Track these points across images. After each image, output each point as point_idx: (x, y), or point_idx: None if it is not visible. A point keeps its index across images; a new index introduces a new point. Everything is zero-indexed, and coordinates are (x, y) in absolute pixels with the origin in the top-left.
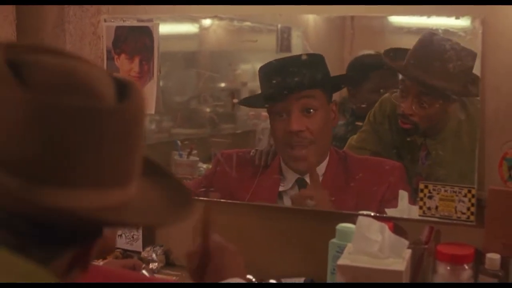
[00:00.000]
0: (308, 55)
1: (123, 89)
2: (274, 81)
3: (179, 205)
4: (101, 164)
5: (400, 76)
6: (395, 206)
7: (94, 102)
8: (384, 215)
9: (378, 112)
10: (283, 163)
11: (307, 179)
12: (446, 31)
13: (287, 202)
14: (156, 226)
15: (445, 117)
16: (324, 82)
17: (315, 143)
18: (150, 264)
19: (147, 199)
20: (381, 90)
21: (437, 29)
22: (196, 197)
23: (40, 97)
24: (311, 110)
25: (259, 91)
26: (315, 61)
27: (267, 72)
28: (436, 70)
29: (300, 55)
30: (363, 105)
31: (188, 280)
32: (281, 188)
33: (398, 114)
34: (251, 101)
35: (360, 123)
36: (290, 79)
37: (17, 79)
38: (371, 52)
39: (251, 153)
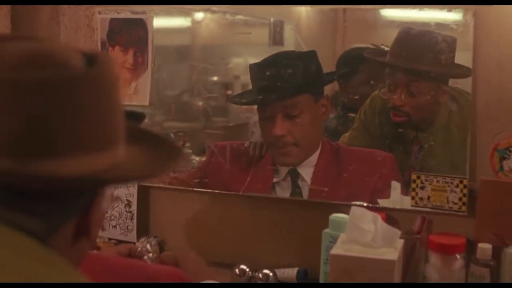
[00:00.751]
0: (300, 53)
1: (93, 58)
2: (265, 76)
3: (166, 159)
4: (82, 129)
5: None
6: (388, 196)
7: (63, 71)
8: (377, 206)
9: (368, 109)
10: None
11: (299, 170)
12: (438, 24)
13: (280, 193)
14: (147, 177)
15: (436, 107)
16: (314, 82)
17: (298, 145)
18: (145, 255)
19: (135, 159)
20: (372, 82)
21: (428, 22)
22: (190, 188)
23: (11, 75)
24: (295, 115)
25: (251, 85)
26: (306, 59)
27: (257, 70)
28: (419, 56)
29: (292, 52)
30: (356, 97)
31: None
32: (274, 180)
33: (389, 107)
34: (243, 99)
35: (352, 115)
36: (275, 85)
37: None
38: (361, 45)
39: (245, 145)
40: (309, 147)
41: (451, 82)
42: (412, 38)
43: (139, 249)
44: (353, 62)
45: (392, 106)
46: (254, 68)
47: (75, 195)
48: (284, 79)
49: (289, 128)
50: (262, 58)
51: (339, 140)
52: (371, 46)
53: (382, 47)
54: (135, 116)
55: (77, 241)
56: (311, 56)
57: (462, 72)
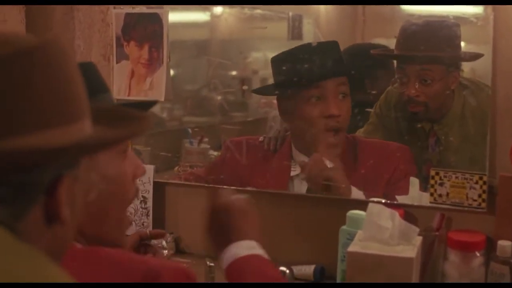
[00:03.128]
0: (322, 44)
1: (41, 39)
2: (285, 68)
3: (132, 122)
4: (39, 104)
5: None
6: (405, 190)
7: (7, 48)
8: (395, 202)
9: (384, 104)
10: (296, 149)
11: None
12: (457, 17)
13: (298, 186)
14: (112, 142)
15: (449, 96)
16: (336, 73)
17: (342, 131)
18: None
19: (101, 131)
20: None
21: (447, 16)
22: (206, 184)
23: None
24: (346, 94)
25: (271, 79)
26: (329, 50)
27: (283, 60)
28: (425, 43)
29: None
30: (374, 92)
31: (196, 267)
32: (292, 173)
33: (405, 100)
34: (265, 90)
35: (370, 110)
36: (326, 65)
37: None
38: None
39: (260, 139)
40: (343, 136)
41: (470, 72)
42: (416, 29)
43: (148, 232)
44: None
45: (407, 98)
46: (276, 60)
47: (36, 176)
48: (304, 70)
49: (341, 108)
50: (280, 52)
51: (346, 128)
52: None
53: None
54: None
55: (50, 226)
56: (332, 46)
57: (471, 55)
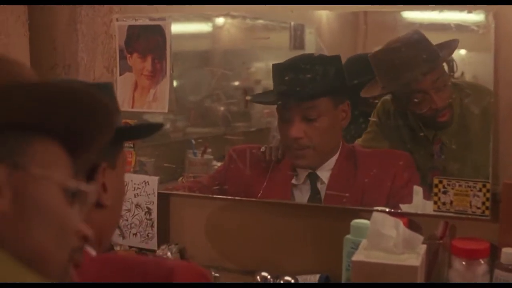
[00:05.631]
0: (323, 57)
1: None
2: (286, 79)
3: None
4: None
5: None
6: (409, 199)
7: None
8: (399, 211)
9: (382, 112)
10: None
11: (318, 173)
12: (459, 25)
13: (299, 196)
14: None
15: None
16: (335, 87)
17: (314, 149)
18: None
19: None
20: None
21: (448, 24)
22: (210, 195)
23: None
24: (313, 118)
25: (272, 86)
26: (329, 63)
27: (279, 71)
28: (402, 68)
29: (315, 56)
30: (376, 101)
31: None
32: (293, 182)
33: (398, 118)
34: (263, 98)
35: (373, 119)
36: (294, 87)
37: None
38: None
39: (262, 150)
40: (326, 151)
41: (472, 80)
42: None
43: None
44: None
45: (434, 111)
46: (276, 69)
47: None
48: (304, 82)
49: (306, 130)
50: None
51: (354, 143)
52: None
53: None
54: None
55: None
56: (334, 60)
57: (449, 49)
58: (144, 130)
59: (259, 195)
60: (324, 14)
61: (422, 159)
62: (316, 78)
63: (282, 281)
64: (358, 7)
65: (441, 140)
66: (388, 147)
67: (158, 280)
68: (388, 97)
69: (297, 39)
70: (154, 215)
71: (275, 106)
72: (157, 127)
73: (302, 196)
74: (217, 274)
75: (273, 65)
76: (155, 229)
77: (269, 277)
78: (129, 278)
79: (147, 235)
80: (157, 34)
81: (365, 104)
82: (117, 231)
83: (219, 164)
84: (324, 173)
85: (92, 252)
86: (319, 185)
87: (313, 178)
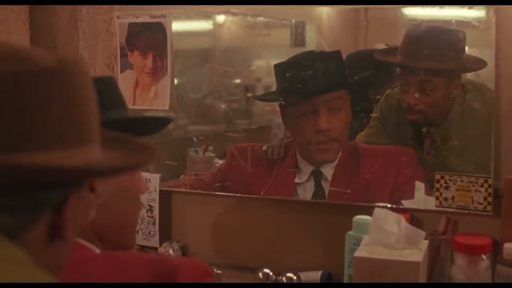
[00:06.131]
0: (325, 53)
1: (63, 58)
2: (289, 77)
3: (140, 154)
4: (53, 123)
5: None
6: (410, 195)
7: (30, 66)
8: (401, 207)
9: (385, 106)
10: (300, 156)
11: (322, 170)
12: (460, 21)
13: (302, 194)
14: (123, 169)
15: (449, 101)
16: (344, 82)
17: (338, 141)
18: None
19: (109, 157)
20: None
21: (449, 20)
22: (212, 192)
23: None
24: (338, 108)
25: (274, 86)
26: (332, 58)
27: (286, 68)
28: (429, 53)
29: (321, 52)
30: (377, 97)
31: None
32: (297, 180)
33: (404, 107)
34: (274, 96)
35: (375, 115)
36: (315, 80)
37: None
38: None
39: (263, 148)
40: (343, 144)
41: (474, 76)
42: (421, 35)
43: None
44: (370, 62)
45: (406, 106)
46: (280, 67)
47: (45, 191)
48: (317, 74)
49: (332, 122)
50: (284, 60)
51: (355, 139)
52: (385, 47)
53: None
54: (160, 121)
55: (52, 243)
56: (337, 56)
57: (477, 65)
58: (151, 124)
59: (262, 193)
60: (324, 11)
61: (421, 155)
62: (331, 71)
63: (284, 278)
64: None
65: (433, 136)
66: (389, 142)
67: (163, 278)
68: (392, 90)
69: (298, 36)
70: (156, 212)
71: (277, 103)
72: (166, 121)
73: (305, 193)
74: (219, 271)
75: (275, 64)
76: (157, 226)
77: (271, 273)
78: (133, 276)
79: (149, 233)
80: (158, 31)
81: (367, 100)
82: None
83: (221, 161)
84: (328, 170)
85: (96, 250)
86: (323, 183)
87: (317, 176)
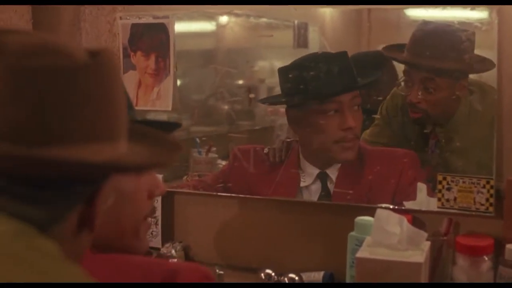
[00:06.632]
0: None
1: (94, 52)
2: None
3: (168, 150)
4: (87, 119)
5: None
6: (413, 196)
7: (66, 60)
8: (403, 208)
9: (391, 105)
10: (304, 158)
11: (329, 172)
12: (462, 22)
13: (307, 197)
14: (154, 166)
15: (454, 103)
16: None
17: (359, 138)
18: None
19: (137, 152)
20: (397, 81)
21: (451, 21)
22: (214, 193)
23: (16, 62)
24: (358, 105)
25: (277, 87)
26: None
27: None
28: (439, 53)
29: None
30: (379, 98)
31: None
32: (302, 184)
33: (407, 104)
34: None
35: (376, 116)
36: (341, 79)
37: None
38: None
39: (265, 151)
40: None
41: (476, 77)
42: (429, 34)
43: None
44: (377, 63)
45: (409, 102)
46: (283, 68)
47: (78, 185)
48: (332, 76)
49: (356, 119)
50: (287, 61)
51: (360, 137)
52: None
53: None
54: (168, 126)
55: (79, 234)
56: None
57: (484, 66)
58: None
59: (265, 194)
60: (327, 12)
61: (424, 155)
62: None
63: (286, 278)
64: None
65: (437, 136)
66: (394, 141)
67: (163, 281)
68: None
69: (301, 37)
70: (159, 213)
71: (278, 106)
72: (176, 125)
73: (310, 196)
74: (221, 272)
75: (282, 67)
76: (159, 227)
77: (273, 274)
78: (131, 279)
79: (151, 233)
80: (160, 32)
81: (369, 101)
82: None
83: (223, 162)
84: (334, 172)
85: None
86: (329, 185)
87: (323, 178)
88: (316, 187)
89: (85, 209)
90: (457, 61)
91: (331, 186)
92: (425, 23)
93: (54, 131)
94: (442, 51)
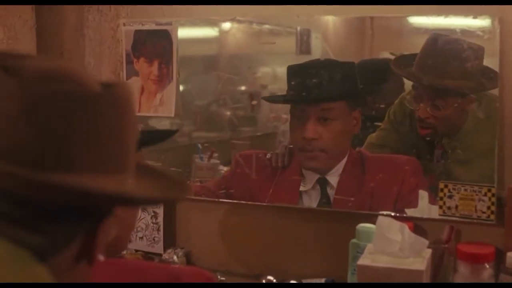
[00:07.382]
0: (340, 63)
1: (110, 83)
2: (295, 83)
3: (173, 188)
4: (97, 148)
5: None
6: (414, 203)
7: (81, 88)
8: (404, 215)
9: (399, 110)
10: (302, 163)
11: (328, 178)
12: (464, 31)
13: (307, 202)
14: (162, 201)
15: (462, 117)
16: (351, 92)
17: (326, 152)
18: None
19: (143, 186)
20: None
21: (453, 29)
22: (216, 199)
23: (32, 85)
24: (329, 119)
25: (279, 94)
26: (345, 68)
27: (293, 73)
28: (448, 71)
29: (331, 61)
30: (382, 106)
31: None
32: (302, 188)
33: (416, 118)
34: (278, 97)
35: (379, 124)
36: (312, 87)
37: (7, 73)
38: (389, 55)
39: (267, 156)
40: (335, 155)
41: None
42: (439, 52)
43: None
44: (380, 72)
45: (417, 118)
46: (292, 70)
47: (81, 216)
48: (322, 83)
49: (320, 132)
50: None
51: (366, 141)
52: (391, 56)
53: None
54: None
55: (77, 265)
56: (350, 67)
57: (493, 84)
58: (157, 137)
59: (266, 200)
60: (330, 19)
61: (428, 163)
62: (333, 80)
63: None
64: (365, 9)
65: (444, 146)
66: (400, 146)
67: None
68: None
69: (304, 44)
70: (160, 219)
71: (281, 110)
72: (170, 133)
73: (311, 201)
74: (223, 278)
75: (289, 66)
76: (161, 232)
77: (274, 281)
78: (137, 281)
79: (153, 239)
80: (163, 38)
81: (373, 109)
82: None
83: (226, 168)
84: (334, 178)
85: (100, 257)
86: (329, 191)
87: (323, 184)
88: (316, 193)
89: (87, 241)
90: (467, 79)
91: (331, 192)
92: (435, 38)
93: (61, 156)
94: (451, 70)
